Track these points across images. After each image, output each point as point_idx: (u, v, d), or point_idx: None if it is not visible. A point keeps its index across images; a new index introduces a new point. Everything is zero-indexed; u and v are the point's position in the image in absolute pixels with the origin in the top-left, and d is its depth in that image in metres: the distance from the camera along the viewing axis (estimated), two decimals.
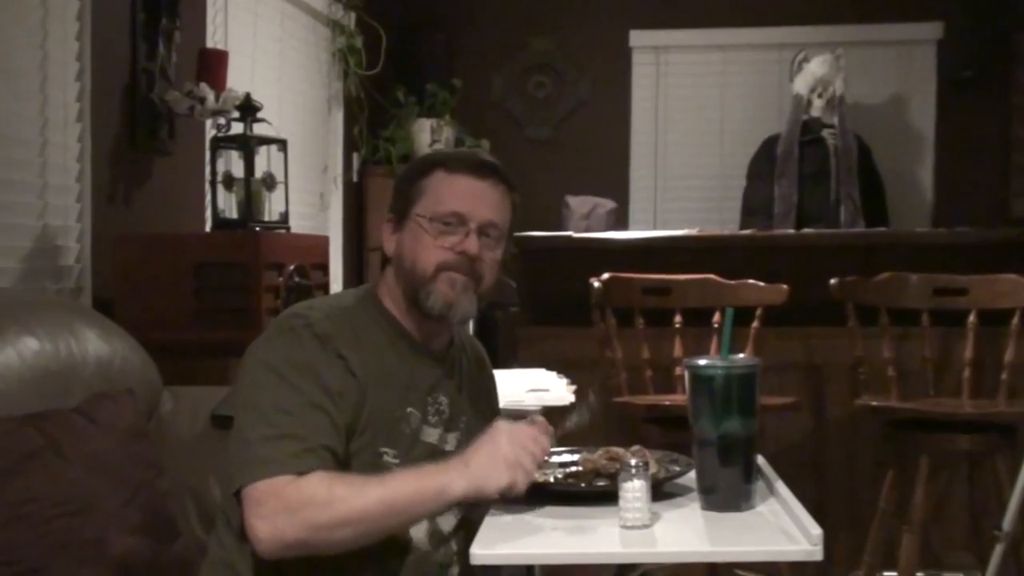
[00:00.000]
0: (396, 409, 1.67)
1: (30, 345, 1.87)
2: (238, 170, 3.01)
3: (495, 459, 1.50)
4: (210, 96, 3.02)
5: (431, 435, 1.72)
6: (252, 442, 1.53)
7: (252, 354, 1.65)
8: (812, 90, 4.92)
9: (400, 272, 1.71)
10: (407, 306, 1.72)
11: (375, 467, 1.62)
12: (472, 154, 1.74)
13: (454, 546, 1.72)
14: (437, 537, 1.70)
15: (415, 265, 1.68)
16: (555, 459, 1.73)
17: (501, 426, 1.56)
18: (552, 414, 2.01)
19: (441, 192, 1.68)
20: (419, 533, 1.68)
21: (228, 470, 1.57)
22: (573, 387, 2.62)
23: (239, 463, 1.54)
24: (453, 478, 1.51)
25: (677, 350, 3.21)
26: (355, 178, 5.30)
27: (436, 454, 1.70)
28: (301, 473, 1.50)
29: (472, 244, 1.66)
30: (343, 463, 1.59)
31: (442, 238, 1.67)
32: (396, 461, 1.65)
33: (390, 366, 1.68)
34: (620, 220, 5.53)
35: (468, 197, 1.67)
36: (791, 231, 4.46)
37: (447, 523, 1.72)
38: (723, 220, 5.40)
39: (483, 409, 1.86)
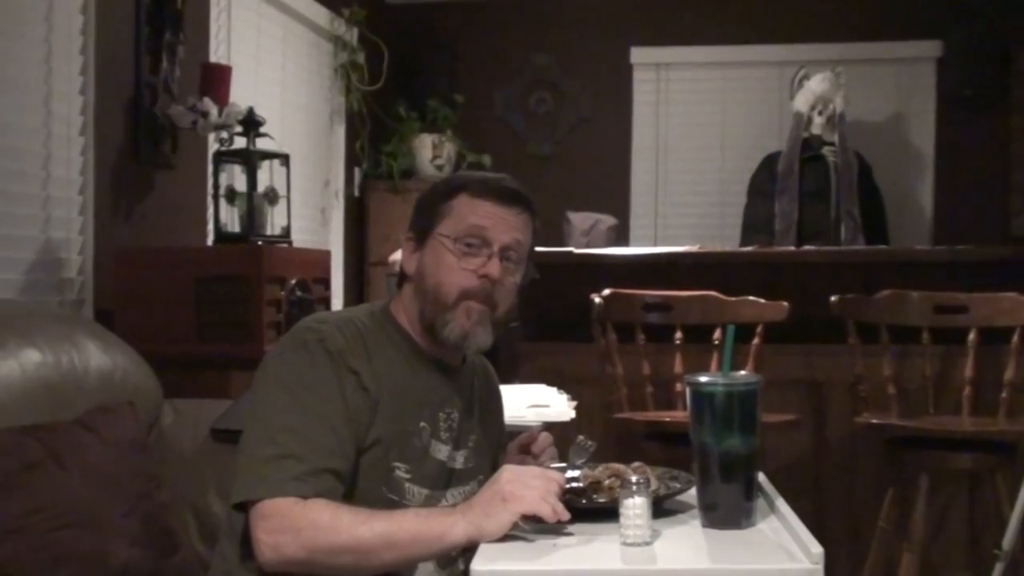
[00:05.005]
0: (408, 423, 1.67)
1: (31, 357, 1.87)
2: (240, 184, 3.02)
3: (494, 498, 1.49)
4: (213, 110, 3.03)
5: (441, 451, 1.71)
6: (257, 459, 1.54)
7: (265, 368, 1.65)
8: (812, 107, 4.93)
9: (420, 293, 1.71)
10: (422, 328, 1.72)
11: (386, 481, 1.63)
12: (497, 179, 1.74)
13: (460, 566, 1.71)
14: (444, 558, 1.69)
15: (438, 289, 1.68)
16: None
17: (506, 467, 1.56)
18: (553, 429, 2.01)
19: (465, 214, 1.69)
20: None
21: (233, 481, 1.57)
22: (574, 403, 2.62)
23: (243, 478, 1.55)
24: (455, 521, 1.50)
25: (678, 366, 3.21)
26: (357, 193, 5.31)
27: (444, 471, 1.70)
28: (305, 496, 1.51)
29: (494, 267, 1.68)
30: (351, 479, 1.59)
31: (465, 260, 1.67)
32: (408, 476, 1.65)
33: (403, 380, 1.68)
34: (621, 236, 5.53)
35: (491, 220, 1.69)
36: (791, 248, 4.46)
37: None
38: (724, 237, 5.41)
39: (492, 430, 1.87)
